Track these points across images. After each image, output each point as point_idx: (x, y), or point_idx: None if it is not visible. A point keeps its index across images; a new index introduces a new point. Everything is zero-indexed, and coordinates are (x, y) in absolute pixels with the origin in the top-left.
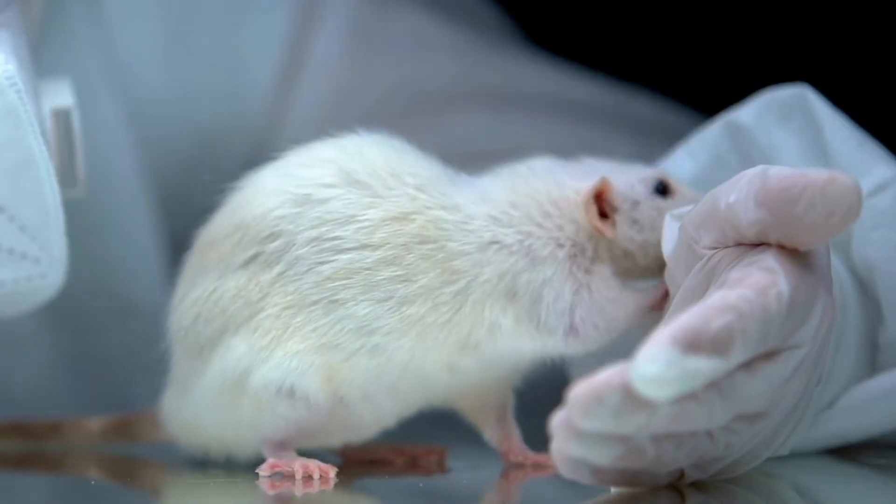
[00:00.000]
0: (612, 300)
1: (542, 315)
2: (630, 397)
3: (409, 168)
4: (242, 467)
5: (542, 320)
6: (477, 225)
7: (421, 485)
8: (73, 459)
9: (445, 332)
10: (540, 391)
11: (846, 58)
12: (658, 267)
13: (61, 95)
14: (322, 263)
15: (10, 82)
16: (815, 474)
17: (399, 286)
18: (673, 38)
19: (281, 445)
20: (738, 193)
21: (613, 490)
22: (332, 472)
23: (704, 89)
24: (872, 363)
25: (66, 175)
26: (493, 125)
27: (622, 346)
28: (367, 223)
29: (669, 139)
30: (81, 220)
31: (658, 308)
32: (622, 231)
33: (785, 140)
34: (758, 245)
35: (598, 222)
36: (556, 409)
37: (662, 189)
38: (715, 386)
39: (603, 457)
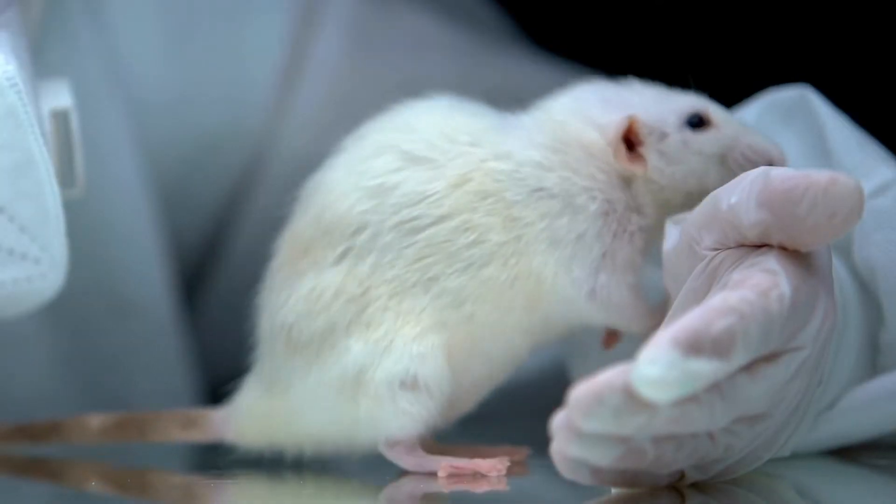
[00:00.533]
0: (632, 287)
1: (575, 268)
2: (631, 399)
3: (460, 126)
4: (247, 468)
5: (575, 273)
6: (526, 172)
7: (422, 485)
8: (76, 466)
9: (514, 290)
10: (540, 391)
11: (847, 58)
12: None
13: (60, 96)
14: (407, 246)
15: (11, 83)
16: (815, 475)
17: (474, 250)
18: (673, 37)
19: (411, 447)
20: (740, 194)
21: (614, 491)
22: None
23: (705, 89)
24: (873, 364)
25: (66, 176)
26: None
27: (625, 347)
28: (435, 195)
29: None
30: (82, 221)
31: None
32: (653, 164)
33: (786, 141)
34: (760, 246)
35: (627, 163)
36: (557, 409)
37: (697, 122)
38: (716, 388)
39: (603, 458)
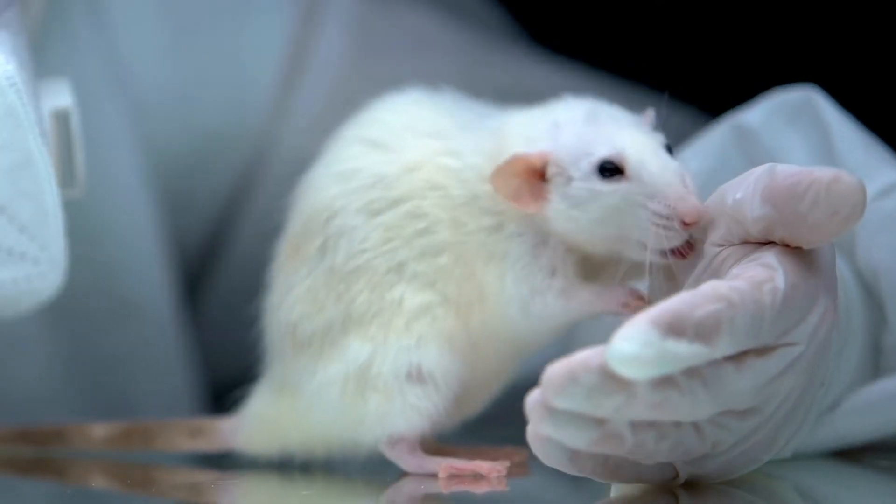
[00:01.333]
0: (562, 290)
1: (508, 281)
2: (606, 378)
3: (424, 118)
4: (248, 467)
5: (508, 286)
6: (469, 175)
7: (422, 486)
8: (80, 464)
9: (471, 285)
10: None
11: (854, 58)
12: (612, 263)
13: (60, 96)
14: (372, 230)
15: (10, 83)
16: (817, 476)
17: (426, 239)
18: (676, 38)
19: (413, 447)
20: (745, 190)
21: (613, 493)
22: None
23: (709, 90)
24: (876, 366)
25: (66, 175)
26: None
27: None
28: (388, 178)
29: (675, 139)
30: (82, 221)
31: (616, 311)
32: (554, 205)
33: (792, 142)
34: (764, 244)
35: (508, 197)
36: None
37: (610, 170)
38: (698, 375)
39: (578, 439)
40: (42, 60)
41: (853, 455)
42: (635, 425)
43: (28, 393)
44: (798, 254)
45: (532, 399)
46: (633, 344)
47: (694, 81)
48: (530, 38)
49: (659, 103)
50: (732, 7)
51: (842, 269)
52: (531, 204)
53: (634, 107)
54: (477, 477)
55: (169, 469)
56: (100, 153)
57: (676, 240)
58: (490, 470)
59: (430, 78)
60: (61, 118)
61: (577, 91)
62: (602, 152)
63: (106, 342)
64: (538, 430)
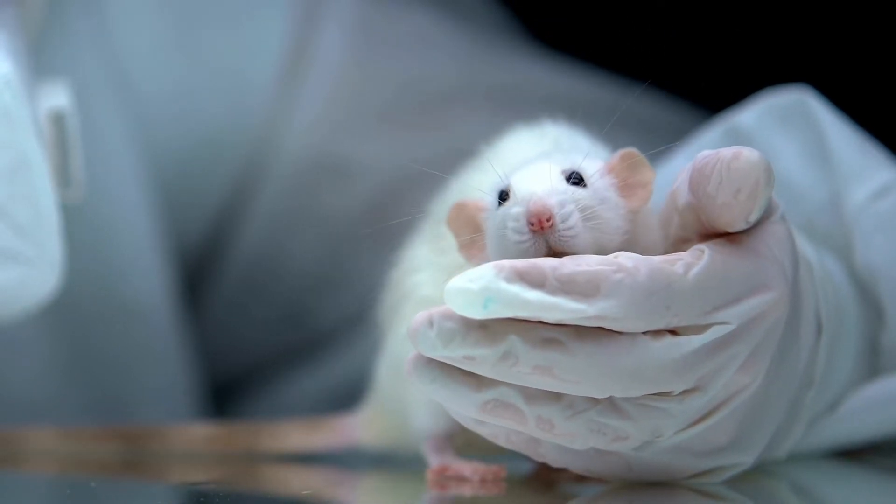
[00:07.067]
0: None
1: None
2: (470, 327)
3: (515, 153)
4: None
5: None
6: None
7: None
8: (180, 465)
9: None
10: None
11: (847, 58)
12: None
13: (57, 97)
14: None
15: (6, 83)
16: (814, 474)
17: (445, 259)
18: (675, 36)
19: (441, 445)
20: (679, 180)
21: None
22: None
23: (705, 89)
24: (873, 367)
25: (63, 177)
26: (498, 123)
27: None
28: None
29: (673, 137)
30: (82, 222)
31: None
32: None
33: (785, 144)
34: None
35: (463, 251)
36: None
37: (503, 197)
38: (590, 338)
39: (461, 402)
40: (41, 61)
41: (852, 454)
42: (528, 395)
43: (28, 395)
44: (735, 239)
45: (409, 356)
46: (463, 279)
47: (690, 80)
48: (531, 37)
49: (655, 101)
50: (728, 7)
51: (834, 270)
52: (471, 255)
53: (631, 105)
54: (473, 479)
55: (167, 468)
56: (99, 154)
57: (530, 252)
58: (486, 471)
59: (432, 77)
60: (58, 119)
61: (577, 90)
62: (499, 185)
63: (106, 344)
64: (419, 386)
